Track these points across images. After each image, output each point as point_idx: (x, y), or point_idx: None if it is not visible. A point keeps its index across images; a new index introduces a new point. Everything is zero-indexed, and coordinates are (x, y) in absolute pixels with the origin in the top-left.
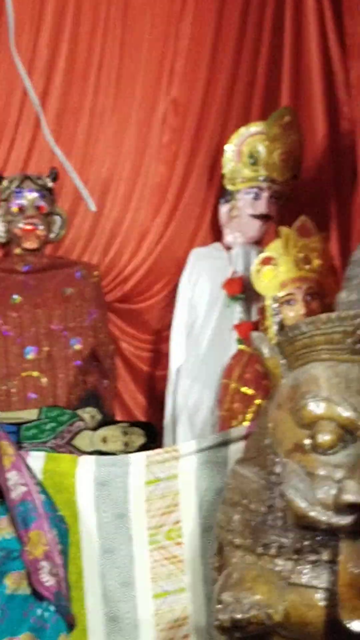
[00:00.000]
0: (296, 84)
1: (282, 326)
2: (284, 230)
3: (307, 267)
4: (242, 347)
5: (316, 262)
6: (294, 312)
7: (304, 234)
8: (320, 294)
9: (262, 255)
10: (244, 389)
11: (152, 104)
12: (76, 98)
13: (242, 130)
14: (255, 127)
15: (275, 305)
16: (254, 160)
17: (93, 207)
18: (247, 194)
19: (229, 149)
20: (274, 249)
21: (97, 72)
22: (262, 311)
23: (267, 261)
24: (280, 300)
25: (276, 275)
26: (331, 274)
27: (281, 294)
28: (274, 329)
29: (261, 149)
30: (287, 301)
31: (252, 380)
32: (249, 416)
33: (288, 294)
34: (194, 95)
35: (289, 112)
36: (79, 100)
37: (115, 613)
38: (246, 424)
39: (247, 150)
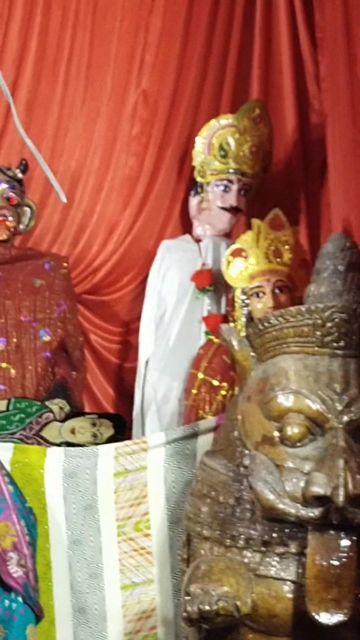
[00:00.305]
0: (266, 76)
1: (250, 318)
2: (255, 222)
3: (278, 260)
4: (211, 337)
5: (287, 255)
6: (261, 305)
7: (275, 227)
8: (290, 287)
9: (233, 247)
10: (211, 380)
11: (122, 96)
12: (46, 89)
13: (213, 123)
14: (225, 120)
15: (244, 297)
16: (224, 152)
17: (63, 198)
18: (217, 186)
19: (199, 141)
20: (244, 241)
21: (67, 63)
22: (231, 303)
23: (237, 253)
24: (249, 292)
25: (246, 267)
26: (302, 267)
27: (250, 286)
28: (242, 320)
29: (231, 141)
30: (255, 293)
31: (218, 371)
32: (215, 406)
33: (257, 286)
34: (164, 87)
35: (259, 105)
36: (49, 91)
37: (83, 604)
38: (210, 415)
39: (217, 143)
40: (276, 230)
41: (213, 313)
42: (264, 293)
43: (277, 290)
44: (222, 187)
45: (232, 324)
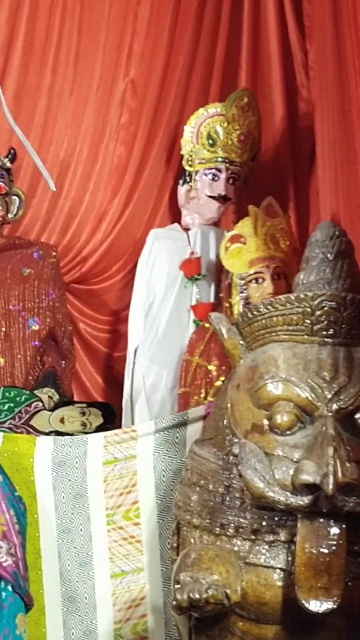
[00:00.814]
0: (255, 65)
1: (247, 304)
2: (253, 209)
3: (275, 246)
4: (204, 324)
5: (283, 242)
6: (260, 291)
7: (270, 214)
8: (287, 273)
9: (231, 233)
10: (207, 364)
11: (111, 85)
12: (34, 78)
13: (201, 112)
14: (213, 109)
15: (242, 283)
16: (212, 141)
17: (52, 186)
18: (206, 175)
19: (188, 130)
20: (242, 227)
21: (55, 52)
22: (227, 289)
23: (235, 239)
24: (248, 278)
25: (245, 253)
26: (295, 254)
27: (249, 272)
28: (239, 307)
29: (219, 130)
30: (255, 279)
31: (215, 356)
32: (212, 391)
33: (256, 272)
34: (153, 76)
35: (248, 94)
36: (37, 80)
37: (73, 593)
38: (208, 401)
39: (205, 132)
40: (272, 218)
41: (202, 302)
42: (264, 279)
43: (275, 277)
44: (210, 176)
45: (227, 310)
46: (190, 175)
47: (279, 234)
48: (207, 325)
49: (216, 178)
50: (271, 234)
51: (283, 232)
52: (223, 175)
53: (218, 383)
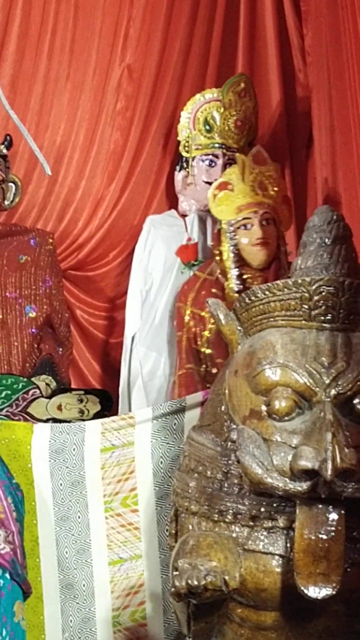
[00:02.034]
0: (251, 50)
1: (237, 251)
2: (240, 157)
3: (264, 192)
4: (196, 273)
5: (272, 189)
6: (249, 237)
7: (259, 162)
8: (276, 220)
9: (219, 180)
10: (199, 312)
11: (107, 70)
12: (30, 64)
13: (197, 97)
14: (210, 94)
15: (231, 229)
16: (209, 127)
17: (49, 171)
18: (202, 161)
19: (184, 116)
20: (230, 174)
21: (51, 37)
22: (217, 237)
23: (223, 186)
24: (236, 224)
25: (233, 200)
26: (285, 202)
27: (237, 218)
28: (230, 253)
29: (216, 116)
30: (243, 225)
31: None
32: (206, 335)
33: (244, 218)
34: (149, 61)
35: (244, 79)
36: (33, 66)
37: (71, 580)
38: (204, 348)
39: (202, 117)
40: (260, 165)
41: None
42: (252, 225)
43: (264, 222)
44: (207, 162)
45: (217, 258)
46: (187, 161)
47: (267, 180)
48: (198, 274)
49: (213, 164)
50: (259, 180)
51: (271, 179)
52: (220, 161)
53: (206, 333)
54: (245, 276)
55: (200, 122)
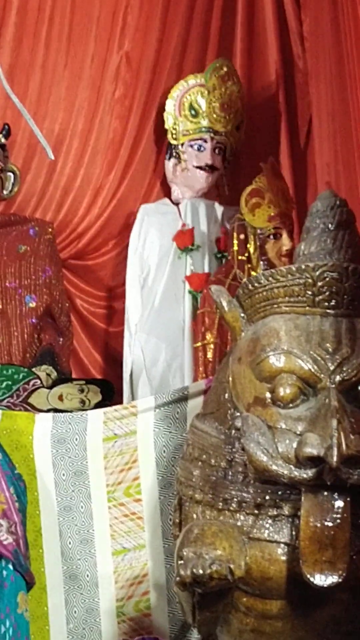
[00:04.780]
0: (250, 36)
1: (267, 259)
2: (266, 166)
3: (286, 204)
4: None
5: (289, 200)
6: (277, 247)
7: (277, 175)
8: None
9: (250, 187)
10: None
11: (105, 58)
12: (28, 53)
13: (181, 84)
14: (193, 80)
15: (261, 236)
16: (194, 112)
17: (51, 154)
18: (191, 146)
19: (170, 103)
20: (260, 182)
21: (48, 25)
22: (243, 244)
23: (254, 194)
24: (267, 233)
25: (264, 208)
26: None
27: (268, 227)
28: (259, 262)
29: (201, 100)
30: (273, 234)
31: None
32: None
33: (275, 228)
34: (147, 49)
35: (227, 64)
36: (31, 55)
37: (75, 571)
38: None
39: (187, 103)
40: (277, 178)
41: (196, 272)
42: (281, 235)
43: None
44: (196, 147)
45: (247, 266)
46: (175, 148)
47: (285, 192)
48: (221, 279)
49: (202, 148)
50: (281, 191)
51: (287, 190)
52: (208, 145)
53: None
54: None
55: (185, 107)
